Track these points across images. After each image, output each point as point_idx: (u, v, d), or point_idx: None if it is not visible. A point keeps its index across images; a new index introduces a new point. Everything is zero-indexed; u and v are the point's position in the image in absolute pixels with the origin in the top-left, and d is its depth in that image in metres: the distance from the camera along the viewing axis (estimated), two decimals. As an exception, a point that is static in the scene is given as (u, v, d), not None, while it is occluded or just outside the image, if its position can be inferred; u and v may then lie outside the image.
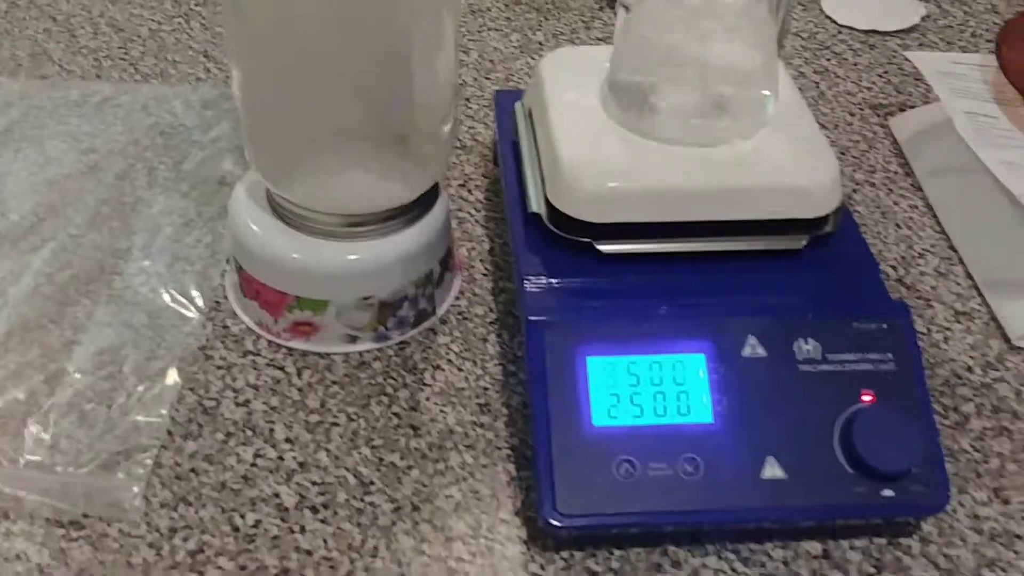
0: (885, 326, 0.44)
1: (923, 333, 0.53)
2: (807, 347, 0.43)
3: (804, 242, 0.46)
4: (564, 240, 0.46)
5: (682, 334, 0.43)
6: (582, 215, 0.45)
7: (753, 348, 0.43)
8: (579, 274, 0.46)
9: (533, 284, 0.46)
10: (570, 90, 0.50)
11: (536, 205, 0.48)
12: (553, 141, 0.47)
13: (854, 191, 0.61)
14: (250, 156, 0.49)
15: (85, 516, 0.43)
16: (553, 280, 0.46)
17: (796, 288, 0.46)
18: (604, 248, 0.46)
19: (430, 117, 0.47)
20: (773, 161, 0.46)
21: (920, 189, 0.61)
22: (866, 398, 0.42)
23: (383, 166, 0.48)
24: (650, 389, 0.43)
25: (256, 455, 0.46)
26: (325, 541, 0.43)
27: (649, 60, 0.47)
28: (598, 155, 0.46)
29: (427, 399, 0.48)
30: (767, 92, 0.47)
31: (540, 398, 0.42)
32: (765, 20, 0.46)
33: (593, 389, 0.42)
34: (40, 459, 0.44)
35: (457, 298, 0.54)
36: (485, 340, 0.51)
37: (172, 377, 0.49)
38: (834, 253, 0.47)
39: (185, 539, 0.42)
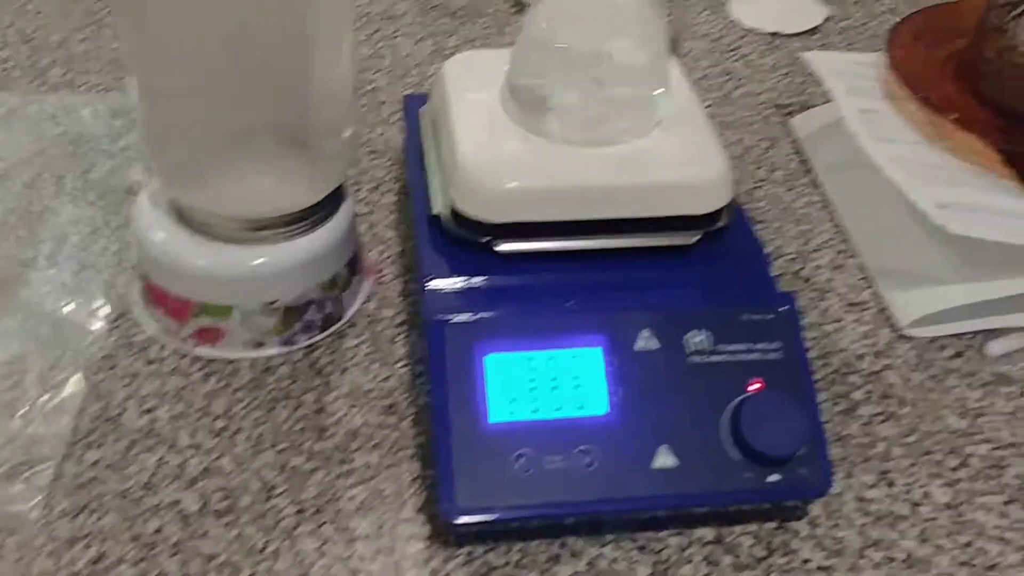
0: (772, 316, 0.45)
1: (817, 324, 0.54)
2: (698, 339, 0.45)
3: (696, 237, 0.48)
4: (465, 241, 0.47)
5: (577, 329, 0.44)
6: (481, 215, 0.46)
7: (646, 341, 0.44)
8: (479, 273, 0.47)
9: (434, 284, 0.46)
10: (472, 93, 0.51)
11: (438, 207, 0.49)
12: (454, 143, 0.48)
13: (755, 188, 0.63)
14: (151, 163, 0.49)
15: (-16, 528, 0.43)
16: (453, 280, 0.47)
17: (688, 282, 0.47)
18: (502, 248, 0.47)
19: (329, 120, 0.48)
20: (665, 159, 0.47)
21: (818, 185, 0.63)
22: (754, 386, 0.44)
23: (284, 169, 0.49)
24: (547, 384, 0.43)
25: (159, 462, 0.46)
26: (228, 545, 0.43)
27: (545, 62, 0.48)
28: (497, 156, 0.47)
29: (334, 402, 0.49)
30: (660, 91, 0.49)
31: (440, 396, 0.43)
32: (656, 21, 0.47)
33: (491, 386, 0.43)
34: (-62, 472, 0.44)
35: (366, 301, 0.54)
36: (393, 342, 0.52)
37: (76, 387, 0.49)
38: (725, 247, 0.48)
39: (86, 547, 0.42)
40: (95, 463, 0.45)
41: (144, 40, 0.44)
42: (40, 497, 0.44)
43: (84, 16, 0.76)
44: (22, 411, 0.47)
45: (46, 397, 0.48)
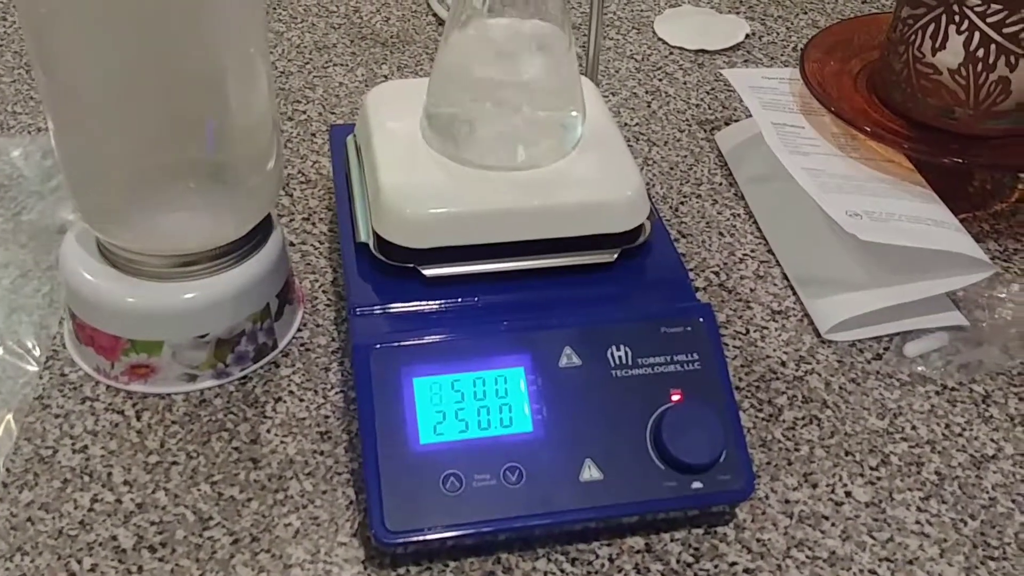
0: (690, 328, 0.46)
1: (742, 333, 0.56)
2: (619, 353, 0.46)
3: (615, 255, 0.49)
4: (391, 267, 0.48)
5: (502, 350, 0.46)
6: (404, 241, 0.47)
7: (569, 358, 0.46)
8: (406, 299, 0.48)
9: (361, 311, 0.47)
10: (393, 121, 0.52)
11: (364, 234, 0.50)
12: (376, 171, 0.49)
13: (681, 203, 0.65)
14: (74, 203, 0.49)
15: (-84, 575, 0.43)
16: (381, 306, 0.47)
17: (609, 298, 0.48)
18: (428, 272, 0.48)
19: (251, 153, 0.49)
20: (581, 181, 0.49)
21: (742, 198, 0.65)
22: (675, 397, 0.45)
23: (208, 204, 0.50)
24: (474, 404, 0.44)
25: (93, 500, 0.46)
26: (163, 579, 0.43)
27: (459, 90, 0.49)
28: (417, 183, 0.48)
29: (268, 431, 0.49)
30: (573, 113, 0.50)
31: (368, 420, 0.44)
32: (568, 45, 0.49)
33: (420, 408, 0.44)
34: None
35: (300, 330, 0.55)
36: (327, 370, 0.53)
37: (7, 429, 0.49)
38: (646, 263, 0.50)
39: (20, 589, 0.42)
40: (29, 504, 0.46)
41: (53, 79, 0.45)
42: (-28, 541, 0.44)
43: (13, 57, 0.76)
44: (-46, 456, 0.47)
45: (-22, 441, 0.48)
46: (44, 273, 0.57)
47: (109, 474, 0.47)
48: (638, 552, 0.45)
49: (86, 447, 0.48)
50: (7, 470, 0.47)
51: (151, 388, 0.51)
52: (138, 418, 0.50)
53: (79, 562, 0.43)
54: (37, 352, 0.53)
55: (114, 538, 0.44)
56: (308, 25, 0.81)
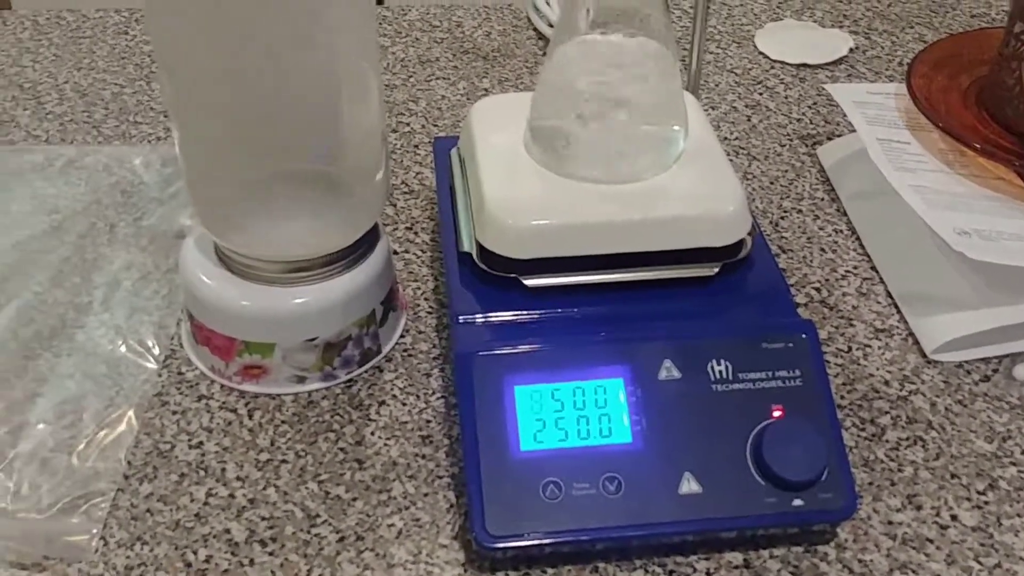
0: (792, 344, 0.46)
1: (844, 351, 0.55)
2: (719, 368, 0.46)
3: (716, 269, 0.49)
4: (493, 276, 0.49)
5: (602, 361, 0.46)
6: (507, 252, 0.48)
7: (669, 371, 0.46)
8: (507, 308, 0.49)
9: (464, 319, 0.48)
10: (496, 135, 0.53)
11: (467, 245, 0.51)
12: (480, 183, 0.50)
13: (781, 218, 0.64)
14: (194, 209, 0.52)
15: (46, 558, 0.45)
16: (483, 315, 0.49)
17: (709, 312, 0.48)
18: (529, 282, 0.49)
19: (362, 163, 0.50)
20: (683, 194, 0.49)
21: (844, 214, 0.64)
22: (776, 413, 0.45)
23: (320, 213, 0.52)
24: (573, 413, 0.45)
25: (208, 494, 0.48)
26: (273, 573, 0.45)
27: (563, 104, 0.50)
28: (521, 195, 0.49)
29: (372, 433, 0.51)
30: (676, 127, 0.50)
31: (470, 426, 0.45)
32: (671, 60, 0.49)
33: (520, 416, 0.45)
34: (4, 506, 0.47)
35: (402, 336, 0.56)
36: (428, 375, 0.54)
37: (129, 423, 0.51)
38: (746, 277, 0.50)
39: (140, 576, 0.45)
40: (149, 496, 0.48)
41: (179, 88, 0.47)
42: (97, 528, 0.46)
43: (135, 70, 0.80)
44: (80, 447, 0.50)
45: (102, 434, 0.51)
46: (163, 276, 0.60)
47: (223, 469, 0.49)
48: (736, 568, 0.45)
49: (201, 443, 0.50)
50: (128, 463, 0.49)
51: (262, 388, 0.53)
52: (250, 417, 0.52)
53: (195, 553, 0.46)
54: (156, 351, 0.55)
55: (227, 531, 0.47)
56: (412, 39, 0.84)
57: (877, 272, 0.60)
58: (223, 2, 0.43)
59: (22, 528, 0.46)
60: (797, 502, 0.43)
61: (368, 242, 0.53)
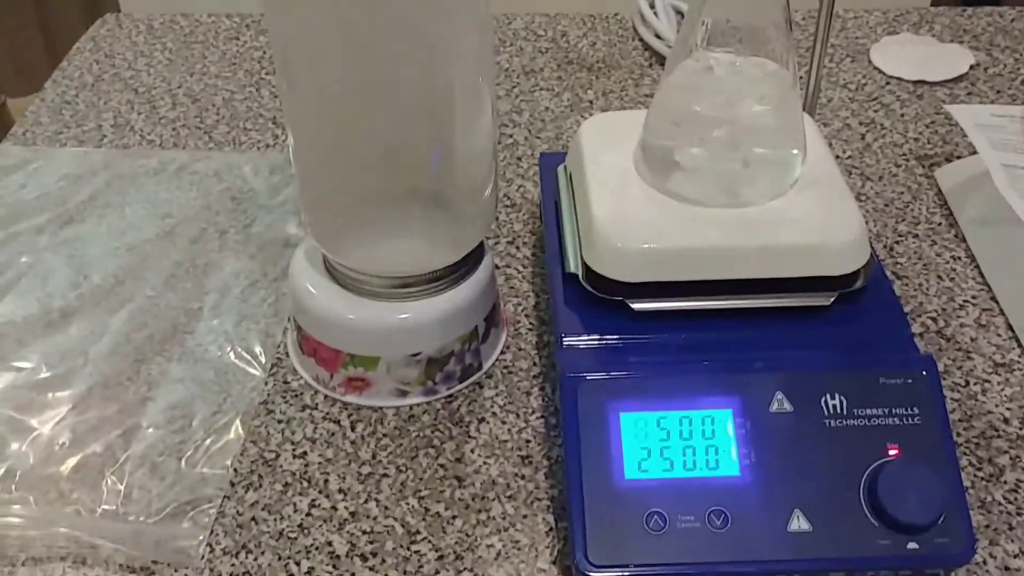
0: (911, 380, 0.45)
1: (961, 385, 0.53)
2: (833, 402, 0.44)
3: (831, 299, 0.48)
4: (599, 299, 0.49)
5: (711, 390, 0.45)
6: (614, 274, 0.48)
7: (780, 403, 0.45)
8: (613, 331, 0.48)
9: (569, 341, 0.48)
10: (606, 154, 0.53)
11: (574, 265, 0.51)
12: (588, 203, 0.50)
13: (896, 243, 0.62)
14: (305, 222, 0.52)
15: (154, 563, 0.46)
16: (588, 337, 0.48)
17: (824, 344, 0.47)
18: (637, 306, 0.48)
19: (473, 179, 0.50)
20: (799, 220, 0.48)
21: (964, 240, 0.62)
22: (892, 452, 0.43)
23: (429, 229, 0.52)
24: (679, 443, 0.44)
25: (311, 505, 0.49)
26: (373, 587, 0.45)
27: (678, 125, 0.49)
28: (631, 217, 0.49)
29: (472, 451, 0.51)
30: (794, 151, 0.49)
31: (573, 451, 0.44)
32: (791, 82, 0.48)
33: (625, 443, 0.44)
34: (115, 508, 0.48)
35: (503, 352, 0.56)
36: (528, 394, 0.54)
37: (236, 431, 0.52)
38: (863, 308, 0.48)
39: (244, 584, 0.45)
40: (253, 504, 0.49)
41: (298, 99, 0.48)
42: (204, 535, 0.47)
43: (245, 76, 0.81)
44: (188, 453, 0.51)
45: (210, 440, 0.52)
46: (271, 284, 0.61)
47: (326, 481, 0.50)
48: (844, 609, 0.43)
49: (305, 453, 0.51)
50: (235, 470, 0.50)
51: (365, 401, 0.53)
52: (353, 429, 0.52)
53: (297, 564, 0.46)
54: (263, 359, 0.56)
55: (329, 543, 0.47)
56: (516, 49, 0.83)
57: (997, 303, 0.58)
58: (345, 16, 0.43)
59: (132, 531, 0.47)
60: (912, 545, 0.42)
61: (473, 259, 0.53)
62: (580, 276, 0.50)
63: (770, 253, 0.47)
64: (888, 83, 0.77)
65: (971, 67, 0.77)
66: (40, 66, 1.80)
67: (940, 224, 0.64)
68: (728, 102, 0.48)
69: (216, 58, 0.84)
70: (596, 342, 0.48)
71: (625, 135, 0.53)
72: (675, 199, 0.49)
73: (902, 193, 0.66)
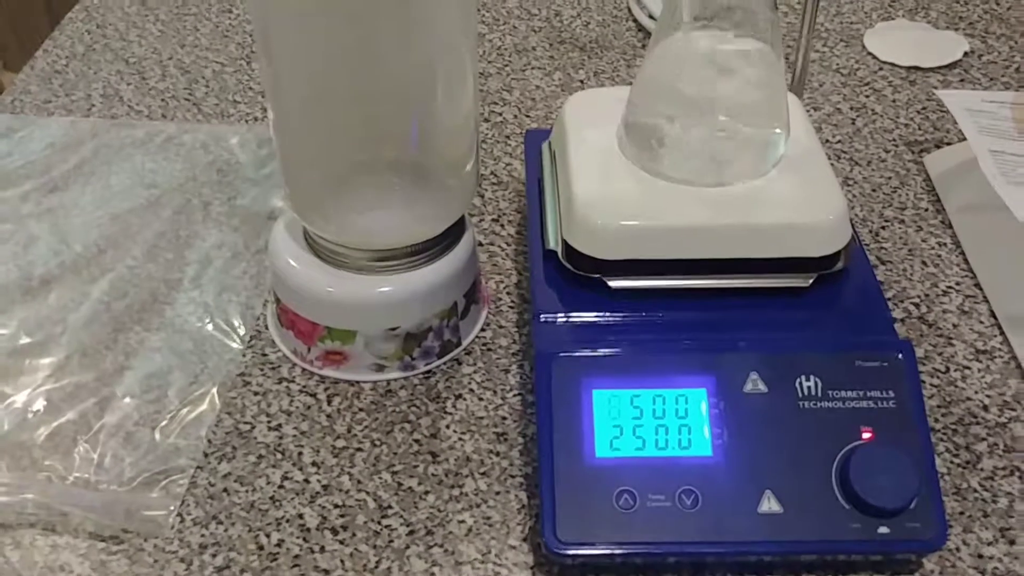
0: (887, 364, 0.44)
1: (941, 371, 0.53)
2: (808, 384, 0.44)
3: (810, 280, 0.47)
4: (577, 276, 0.48)
5: (685, 369, 0.45)
6: (592, 251, 0.47)
7: (755, 384, 0.44)
8: (590, 309, 0.48)
9: (545, 318, 0.48)
10: (589, 130, 0.52)
11: (553, 242, 0.50)
12: (569, 180, 0.49)
13: (882, 228, 0.62)
14: (286, 194, 0.52)
15: (124, 531, 0.46)
16: (565, 314, 0.48)
17: (800, 325, 0.47)
18: (614, 284, 0.48)
19: (453, 153, 0.50)
20: (780, 200, 0.47)
21: (950, 227, 0.62)
22: (865, 435, 0.43)
23: (409, 203, 0.51)
24: (652, 422, 0.44)
25: (284, 477, 0.49)
26: (342, 562, 0.45)
27: (662, 102, 0.49)
28: (611, 194, 0.48)
29: (447, 427, 0.51)
30: (777, 131, 0.49)
31: (545, 428, 0.44)
32: (775, 61, 0.47)
33: (597, 421, 0.44)
34: (87, 477, 0.48)
35: (483, 330, 0.56)
36: (507, 371, 0.54)
37: (212, 401, 0.52)
38: (842, 290, 0.48)
39: (214, 555, 0.45)
40: (226, 475, 0.49)
41: (277, 72, 0.47)
42: (175, 505, 0.47)
43: (236, 49, 0.81)
44: (163, 423, 0.51)
45: (185, 410, 0.51)
46: (253, 256, 0.61)
47: (300, 454, 0.49)
48: (814, 591, 0.43)
49: (280, 426, 0.51)
50: (209, 441, 0.50)
51: (342, 375, 0.53)
52: (329, 402, 0.52)
53: (267, 536, 0.46)
54: (242, 331, 0.56)
55: (300, 516, 0.47)
56: (509, 28, 0.83)
57: (981, 290, 0.57)
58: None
59: (103, 500, 0.47)
60: (883, 530, 0.42)
61: (454, 234, 0.53)
62: (559, 253, 0.49)
63: (749, 233, 0.47)
64: (881, 68, 0.76)
65: (965, 54, 0.77)
66: (43, 38, 1.80)
67: (927, 210, 0.63)
68: (711, 80, 0.47)
69: (208, 30, 0.83)
70: (573, 319, 0.48)
71: (609, 112, 0.52)
72: (657, 177, 0.49)
73: (890, 178, 0.66)
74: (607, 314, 0.48)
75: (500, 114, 0.73)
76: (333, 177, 0.50)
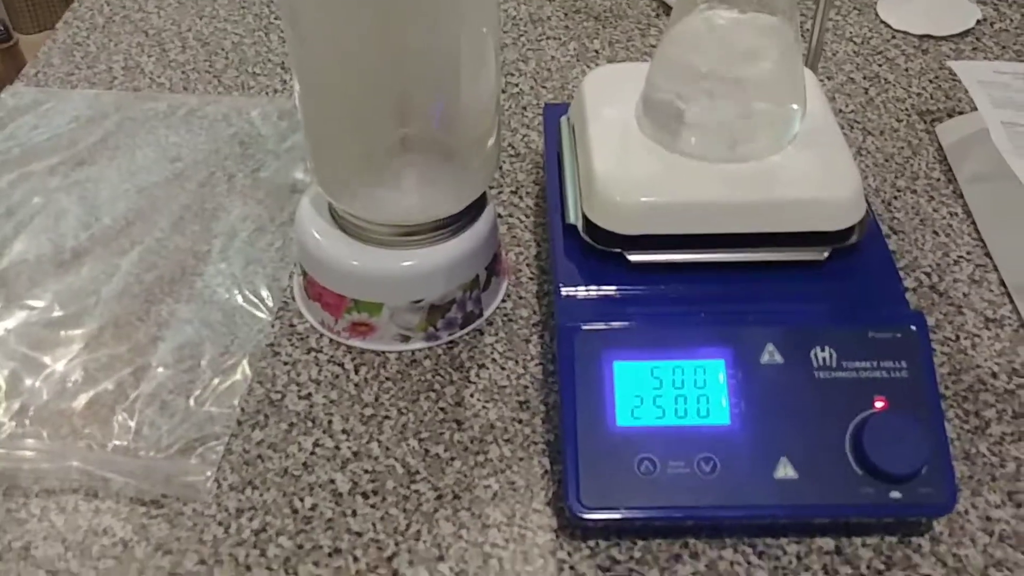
0: (900, 335, 0.46)
1: (951, 339, 0.54)
2: (823, 355, 0.46)
3: (826, 253, 0.48)
4: (597, 250, 0.50)
5: (704, 341, 0.46)
6: (613, 227, 0.49)
7: (771, 355, 0.46)
8: (611, 282, 0.49)
9: (567, 291, 0.49)
10: (609, 107, 0.53)
11: (573, 216, 0.51)
12: (589, 155, 0.50)
13: (894, 198, 0.63)
14: (311, 169, 0.53)
15: (164, 496, 0.48)
16: (586, 288, 0.49)
17: (816, 298, 0.48)
18: (634, 258, 0.49)
19: (475, 130, 0.51)
20: (796, 176, 0.48)
21: (961, 196, 0.63)
22: (878, 404, 0.45)
23: (431, 179, 0.53)
24: (671, 392, 0.46)
25: (315, 444, 0.50)
26: (374, 524, 0.47)
27: (680, 79, 0.49)
28: (630, 170, 0.50)
29: (471, 395, 0.52)
30: (794, 107, 0.50)
31: (569, 398, 0.46)
32: (793, 37, 0.48)
33: (618, 391, 0.46)
34: (126, 444, 0.50)
35: (504, 301, 0.57)
36: (528, 341, 0.55)
37: (243, 371, 0.54)
38: (856, 263, 0.49)
39: (250, 519, 0.47)
40: (260, 442, 0.50)
41: (304, 49, 0.48)
42: (212, 471, 0.49)
43: (254, 20, 0.82)
44: (197, 392, 0.53)
45: (217, 380, 0.53)
46: (278, 228, 0.62)
47: (330, 422, 0.51)
48: (827, 553, 0.45)
49: (310, 394, 0.53)
50: (242, 409, 0.52)
51: (369, 345, 0.55)
52: (356, 372, 0.54)
53: (301, 500, 0.48)
54: (270, 302, 0.57)
55: (332, 481, 0.49)
56: (524, -3, 0.83)
57: (991, 259, 0.58)
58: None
59: (143, 466, 0.49)
60: (895, 494, 0.43)
61: (476, 208, 0.54)
62: (580, 228, 0.51)
63: (766, 208, 0.48)
64: (893, 37, 0.77)
65: (978, 22, 0.77)
66: (53, 2, 1.80)
67: (939, 180, 0.64)
68: (729, 56, 0.48)
69: (225, 1, 0.84)
70: (593, 293, 0.49)
71: (628, 88, 0.53)
72: (675, 153, 0.50)
73: (902, 148, 0.67)
74: (627, 288, 0.49)
75: (516, 85, 0.74)
76: (359, 155, 0.52)
